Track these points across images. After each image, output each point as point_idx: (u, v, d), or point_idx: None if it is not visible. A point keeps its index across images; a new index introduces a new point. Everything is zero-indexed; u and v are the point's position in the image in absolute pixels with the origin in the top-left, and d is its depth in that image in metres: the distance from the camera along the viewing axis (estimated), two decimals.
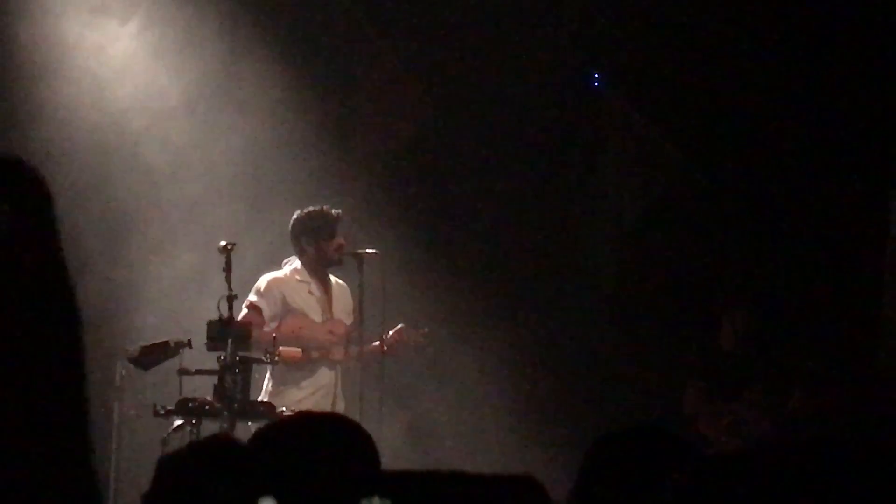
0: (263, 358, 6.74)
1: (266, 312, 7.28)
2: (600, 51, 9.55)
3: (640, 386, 8.98)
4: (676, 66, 9.19)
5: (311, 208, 7.41)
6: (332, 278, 7.55)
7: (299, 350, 7.23)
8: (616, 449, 2.67)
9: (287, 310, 7.32)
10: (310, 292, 7.42)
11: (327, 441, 2.66)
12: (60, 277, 1.62)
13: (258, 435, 2.72)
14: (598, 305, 9.42)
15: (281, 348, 6.92)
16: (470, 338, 9.38)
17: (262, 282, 7.37)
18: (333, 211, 7.38)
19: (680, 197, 9.54)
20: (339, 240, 7.38)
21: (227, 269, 6.57)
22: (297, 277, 7.41)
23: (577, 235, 9.74)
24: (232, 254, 6.61)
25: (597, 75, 9.80)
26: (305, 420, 2.91)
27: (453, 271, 9.61)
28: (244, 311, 7.14)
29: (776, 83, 9.11)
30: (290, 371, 7.22)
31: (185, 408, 6.32)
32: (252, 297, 7.29)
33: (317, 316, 7.39)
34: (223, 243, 6.64)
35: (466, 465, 8.94)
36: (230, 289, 6.56)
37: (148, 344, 7.00)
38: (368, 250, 7.41)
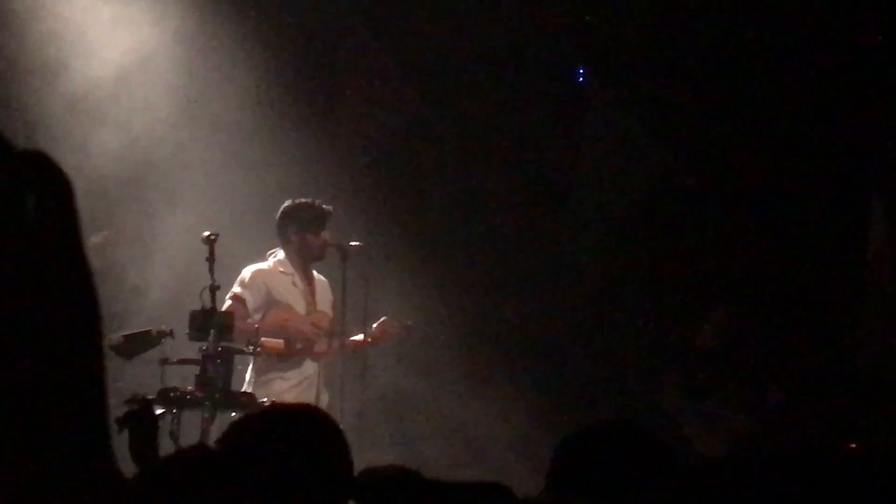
0: (245, 349, 6.73)
1: (250, 304, 7.27)
2: (586, 46, 9.57)
3: (620, 382, 9.02)
4: (661, 63, 9.22)
5: (302, 200, 7.39)
6: (314, 272, 7.55)
7: (282, 342, 7.24)
8: (584, 446, 2.68)
9: (271, 301, 7.31)
10: (294, 284, 7.41)
11: (298, 436, 2.66)
12: (82, 269, 1.63)
13: (231, 430, 2.72)
14: (581, 301, 9.44)
15: (263, 339, 6.92)
16: (452, 330, 9.40)
17: (247, 273, 7.35)
18: (325, 206, 7.37)
19: (663, 194, 9.57)
20: (325, 236, 7.37)
21: (211, 259, 6.57)
22: (281, 269, 7.40)
23: (561, 230, 9.77)
24: (216, 244, 6.60)
25: (581, 71, 9.82)
26: (277, 414, 2.91)
27: (436, 264, 9.63)
28: (228, 302, 7.13)
29: (760, 82, 9.15)
30: (273, 363, 7.21)
31: (167, 397, 6.30)
32: (236, 289, 7.27)
33: (301, 308, 7.39)
34: (206, 233, 6.64)
35: (448, 457, 8.98)
36: (213, 279, 6.55)
37: (130, 333, 7.00)
38: (352, 243, 7.42)
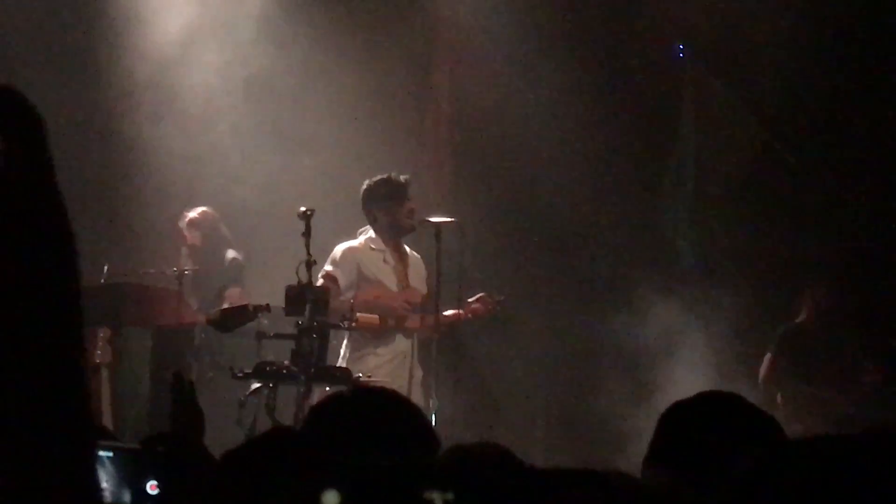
0: (341, 324, 6.78)
1: (342, 281, 7.29)
2: (684, 23, 9.45)
3: (721, 364, 8.91)
4: (762, 40, 9.08)
5: (378, 176, 7.39)
6: (407, 248, 7.56)
7: (376, 317, 7.26)
8: (690, 415, 2.65)
9: (362, 279, 7.33)
10: (385, 261, 7.43)
11: (382, 419, 2.65)
12: (56, 210, 1.61)
13: (313, 412, 2.72)
14: (679, 281, 9.34)
15: (358, 315, 6.96)
16: (546, 307, 9.37)
17: (338, 251, 7.38)
18: (402, 177, 7.38)
19: (761, 170, 9.44)
20: (411, 204, 7.36)
21: (307, 234, 6.60)
22: (372, 246, 7.41)
23: (658, 211, 9.68)
24: (311, 220, 6.64)
25: (681, 46, 9.71)
26: (360, 396, 2.90)
27: (530, 241, 9.60)
28: (320, 280, 7.15)
29: (862, 58, 8.97)
30: (367, 338, 7.25)
31: (263, 371, 6.36)
32: (328, 267, 7.30)
33: (392, 285, 7.40)
34: (303, 209, 6.68)
35: (540, 437, 8.96)
36: (309, 254, 6.59)
37: (227, 307, 7.09)
38: (446, 219, 7.41)
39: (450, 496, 2.34)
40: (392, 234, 7.41)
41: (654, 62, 9.60)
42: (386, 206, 7.32)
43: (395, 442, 2.60)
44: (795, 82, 9.12)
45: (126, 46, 9.06)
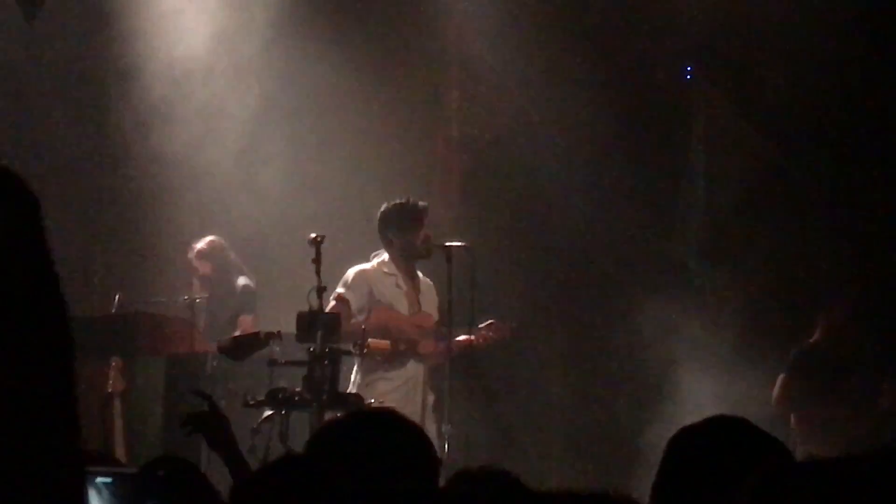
0: (352, 349, 6.77)
1: (353, 305, 7.29)
2: (692, 43, 9.46)
3: (729, 384, 8.87)
4: (766, 58, 9.08)
5: (397, 200, 7.40)
6: (420, 274, 7.55)
7: (388, 342, 7.25)
8: (698, 440, 2.63)
9: (374, 302, 7.32)
10: (397, 285, 7.42)
11: (381, 439, 2.64)
12: (50, 286, 1.63)
13: (314, 436, 2.71)
14: (686, 296, 9.31)
15: (370, 340, 6.95)
16: (559, 332, 9.34)
17: (350, 274, 7.38)
18: (420, 203, 7.38)
19: (771, 189, 9.42)
20: (427, 231, 7.37)
21: (317, 260, 6.60)
22: (385, 270, 7.41)
23: (668, 230, 9.66)
24: (321, 246, 6.64)
25: (689, 68, 9.71)
26: (359, 418, 2.90)
27: (542, 265, 9.59)
28: (332, 303, 7.15)
29: (871, 78, 8.97)
30: (378, 363, 7.23)
31: (275, 398, 6.36)
32: (340, 290, 7.29)
33: (404, 309, 7.39)
34: (313, 235, 6.68)
35: (552, 462, 8.93)
36: (319, 280, 6.59)
37: (238, 335, 7.09)
38: (457, 243, 7.41)
39: None
40: (406, 259, 7.40)
41: (663, 83, 9.60)
42: (402, 230, 7.33)
43: (395, 462, 2.59)
44: (804, 100, 9.11)
45: (135, 75, 9.09)
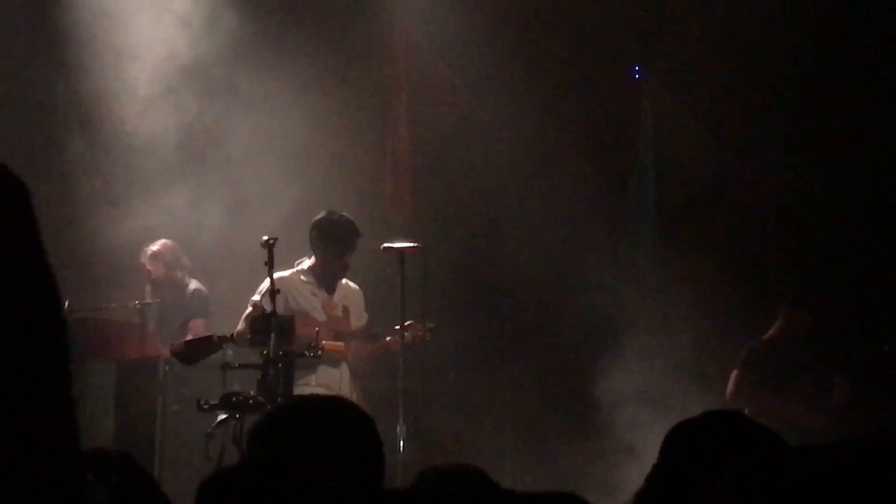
0: (306, 352, 6.74)
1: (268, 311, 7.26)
2: (641, 43, 9.51)
3: (681, 380, 8.92)
4: (715, 57, 9.15)
5: (339, 216, 7.40)
6: (345, 281, 7.58)
7: (342, 344, 7.25)
8: (694, 434, 2.65)
9: (289, 310, 7.29)
10: (313, 293, 7.46)
11: (329, 425, 2.61)
12: (46, 281, 1.60)
13: (259, 424, 2.67)
14: (641, 297, 9.36)
15: (324, 342, 6.93)
16: (508, 330, 9.36)
17: (267, 281, 7.36)
18: (355, 230, 7.38)
19: (721, 187, 9.48)
20: (348, 260, 7.40)
21: (270, 263, 6.58)
22: (303, 278, 7.46)
23: (617, 225, 9.70)
24: (274, 248, 6.61)
25: (637, 67, 9.76)
26: (306, 405, 2.86)
27: (492, 264, 9.60)
28: (248, 309, 7.15)
29: (815, 73, 9.07)
30: (299, 369, 7.17)
31: (229, 402, 6.30)
32: (255, 297, 7.28)
33: (320, 316, 7.43)
34: (265, 238, 6.65)
35: (498, 461, 8.92)
36: (273, 283, 6.57)
37: (191, 339, 7.04)
38: (409, 244, 7.40)
39: None
40: (323, 272, 7.42)
41: (612, 83, 9.64)
42: (326, 249, 7.35)
43: (336, 446, 2.55)
44: (753, 98, 9.19)
45: (83, 77, 9.00)
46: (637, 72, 9.77)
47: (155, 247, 8.49)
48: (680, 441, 2.65)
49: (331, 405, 2.74)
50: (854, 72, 8.92)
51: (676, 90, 9.58)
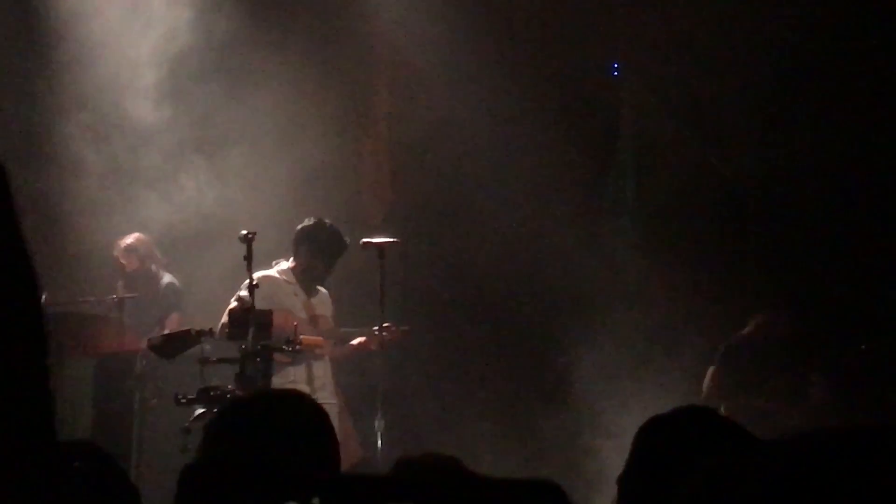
0: (285, 346, 6.73)
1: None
2: (619, 41, 9.53)
3: (658, 380, 8.95)
4: (696, 56, 9.18)
5: (330, 225, 7.42)
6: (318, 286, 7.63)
7: (320, 338, 7.26)
8: (666, 430, 2.66)
9: (273, 307, 7.30)
10: (295, 294, 7.49)
11: (283, 418, 2.61)
12: (22, 260, 1.59)
13: (217, 418, 2.67)
14: (618, 299, 9.37)
15: (302, 337, 6.93)
16: (486, 326, 9.36)
17: (254, 278, 7.35)
18: (343, 240, 7.40)
19: (700, 184, 9.51)
20: (332, 270, 7.46)
21: (248, 257, 6.58)
22: (285, 278, 7.48)
23: (597, 227, 9.72)
24: (253, 242, 6.61)
25: (616, 64, 9.78)
26: (260, 399, 2.86)
27: (471, 260, 9.60)
28: (233, 303, 7.16)
29: (795, 75, 9.10)
30: (280, 366, 7.17)
31: (207, 396, 6.30)
32: (241, 292, 7.28)
33: (301, 314, 7.44)
34: (244, 232, 6.65)
35: (476, 455, 8.93)
36: (251, 277, 6.56)
37: (170, 332, 7.02)
38: (388, 239, 7.41)
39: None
40: (303, 277, 7.42)
41: (592, 80, 9.66)
42: (316, 253, 7.36)
43: (297, 442, 2.55)
44: (732, 97, 9.21)
45: (62, 67, 8.96)
46: (616, 68, 9.79)
47: (129, 240, 8.45)
48: (650, 437, 2.66)
49: (284, 398, 2.74)
50: (834, 67, 8.95)
51: (655, 85, 9.60)
